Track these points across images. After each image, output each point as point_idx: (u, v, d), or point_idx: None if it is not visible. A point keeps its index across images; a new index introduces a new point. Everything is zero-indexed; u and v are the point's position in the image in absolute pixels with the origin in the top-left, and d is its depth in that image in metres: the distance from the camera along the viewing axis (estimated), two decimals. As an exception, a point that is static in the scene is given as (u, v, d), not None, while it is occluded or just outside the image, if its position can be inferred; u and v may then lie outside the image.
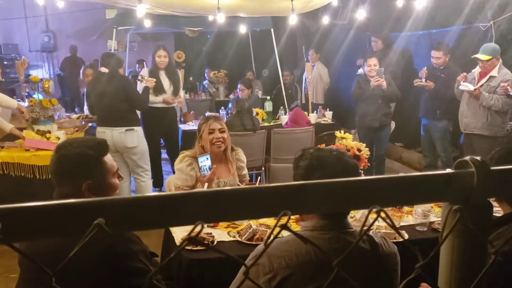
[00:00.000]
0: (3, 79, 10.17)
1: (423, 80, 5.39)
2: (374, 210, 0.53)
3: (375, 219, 0.54)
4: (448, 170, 0.63)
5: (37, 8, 9.97)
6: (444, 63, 5.37)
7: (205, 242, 2.50)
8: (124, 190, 4.79)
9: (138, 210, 0.51)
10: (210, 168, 3.02)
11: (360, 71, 6.26)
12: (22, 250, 1.52)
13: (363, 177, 0.56)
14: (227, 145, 3.20)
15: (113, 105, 4.59)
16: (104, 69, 4.66)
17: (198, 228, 0.50)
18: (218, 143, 3.14)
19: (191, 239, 0.50)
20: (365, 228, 0.52)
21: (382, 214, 0.53)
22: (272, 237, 0.52)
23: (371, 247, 1.70)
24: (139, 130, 4.76)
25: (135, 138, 4.68)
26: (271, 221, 2.82)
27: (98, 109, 4.73)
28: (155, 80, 5.26)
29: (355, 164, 1.80)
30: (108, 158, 1.88)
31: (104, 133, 4.62)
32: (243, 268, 1.73)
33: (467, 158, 0.63)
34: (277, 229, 0.52)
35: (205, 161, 3.05)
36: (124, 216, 0.50)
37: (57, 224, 0.49)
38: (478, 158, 0.63)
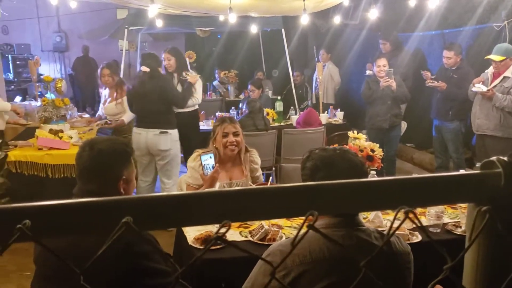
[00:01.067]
0: (16, 79, 10.28)
1: (435, 81, 5.36)
2: (403, 210, 0.53)
3: (403, 220, 0.53)
4: (472, 171, 0.63)
5: (49, 8, 10.06)
6: (455, 64, 5.33)
7: (217, 242, 2.51)
8: (147, 191, 4.77)
9: (165, 209, 0.51)
10: (213, 167, 3.01)
11: (369, 72, 6.25)
12: (37, 249, 1.52)
13: (390, 177, 0.55)
14: (240, 148, 3.19)
15: (150, 106, 4.53)
16: (145, 68, 4.57)
17: (224, 228, 0.50)
18: (231, 147, 3.13)
19: (218, 238, 0.50)
20: (394, 226, 0.51)
21: (411, 215, 0.53)
22: (299, 237, 0.52)
23: (385, 244, 1.70)
24: (173, 133, 4.66)
25: (168, 141, 4.61)
26: (283, 222, 2.82)
27: (136, 109, 4.69)
28: (199, 75, 5.29)
29: (360, 161, 1.80)
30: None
31: (140, 134, 4.61)
32: (257, 266, 1.73)
33: (493, 158, 0.63)
34: (304, 228, 0.51)
35: (208, 160, 3.03)
36: (151, 214, 0.50)
37: (85, 222, 0.49)
38: (505, 158, 0.62)
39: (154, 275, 1.77)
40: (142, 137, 4.55)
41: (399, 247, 1.74)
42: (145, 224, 0.49)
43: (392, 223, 0.53)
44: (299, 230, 0.52)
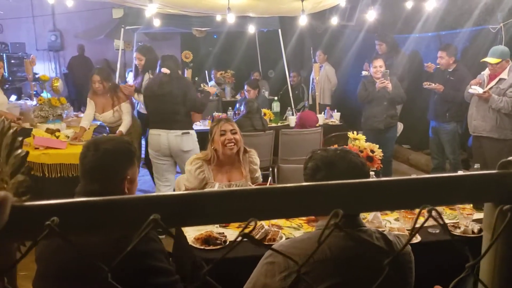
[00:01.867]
0: (10, 77, 10.22)
1: (432, 83, 5.39)
2: (426, 209, 0.53)
3: (427, 219, 0.54)
4: (492, 171, 0.63)
5: (44, 7, 10.01)
6: (447, 64, 5.37)
7: (217, 242, 2.51)
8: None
9: (191, 206, 0.51)
10: None
11: (365, 73, 6.28)
12: (40, 248, 1.51)
13: (411, 177, 0.56)
14: (239, 147, 3.18)
15: (171, 107, 4.47)
16: (166, 70, 4.53)
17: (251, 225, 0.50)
18: (230, 145, 3.10)
19: (245, 235, 0.50)
20: (417, 226, 0.51)
21: (434, 213, 0.53)
22: (324, 236, 0.52)
23: (386, 245, 1.72)
24: (193, 133, 4.63)
25: (190, 141, 4.56)
26: (282, 222, 2.82)
27: (154, 110, 4.60)
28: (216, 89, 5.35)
29: (361, 162, 1.81)
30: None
31: (159, 135, 4.51)
32: (258, 267, 1.73)
33: (511, 158, 0.63)
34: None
35: None
36: (179, 211, 0.51)
37: (113, 219, 0.49)
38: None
39: (159, 274, 1.77)
40: (163, 138, 4.48)
41: (400, 247, 1.75)
42: (174, 221, 0.49)
43: (415, 221, 0.53)
44: (324, 228, 0.52)
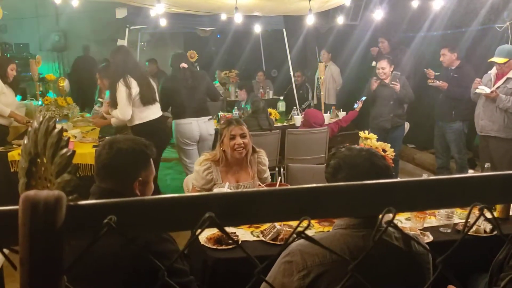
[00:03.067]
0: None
1: (436, 81, 5.38)
2: (477, 207, 0.53)
3: (478, 217, 0.53)
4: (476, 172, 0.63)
5: (48, 7, 10.01)
6: (451, 61, 5.36)
7: (229, 241, 2.51)
8: None
9: (245, 205, 0.51)
10: None
11: (374, 63, 6.32)
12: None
13: (460, 175, 0.55)
14: (248, 150, 3.17)
15: (197, 97, 4.99)
16: (184, 65, 5.03)
17: (304, 223, 0.50)
18: (239, 149, 3.10)
19: (299, 233, 0.50)
20: (469, 222, 0.51)
21: (486, 211, 0.53)
22: (379, 234, 0.52)
23: (405, 245, 1.71)
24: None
25: (213, 125, 5.27)
26: (294, 221, 2.82)
27: (183, 103, 4.94)
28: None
29: (385, 165, 1.77)
30: (152, 161, 1.92)
31: (191, 124, 4.97)
32: (276, 265, 1.72)
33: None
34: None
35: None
36: (232, 210, 0.50)
37: (169, 217, 0.49)
38: None
39: (173, 274, 1.77)
40: (194, 125, 4.96)
41: (418, 248, 1.74)
42: (228, 219, 0.49)
43: (467, 220, 0.53)
44: (377, 227, 0.52)
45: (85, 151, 4.30)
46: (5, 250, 0.49)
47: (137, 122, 4.40)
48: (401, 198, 0.54)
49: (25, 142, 0.66)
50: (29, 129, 0.68)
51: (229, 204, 0.51)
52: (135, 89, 4.32)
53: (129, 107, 4.31)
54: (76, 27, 10.63)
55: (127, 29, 7.29)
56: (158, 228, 0.52)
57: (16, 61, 10.28)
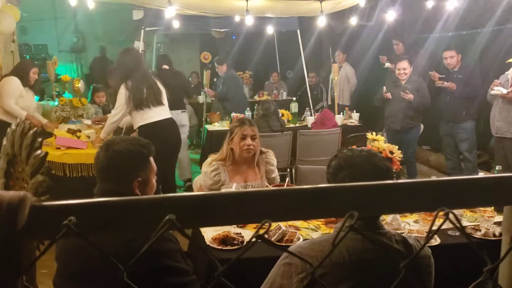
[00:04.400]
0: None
1: (444, 82, 5.33)
2: (443, 212, 0.53)
3: (443, 222, 0.53)
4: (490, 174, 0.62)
5: (66, 9, 10.16)
6: (457, 63, 5.30)
7: (235, 242, 2.52)
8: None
9: (206, 207, 0.51)
10: None
11: (387, 64, 6.29)
12: (59, 247, 1.53)
13: (429, 179, 0.55)
14: (256, 151, 3.18)
15: (178, 94, 5.66)
16: (166, 66, 5.82)
17: (266, 226, 0.50)
18: (248, 150, 3.10)
19: (259, 237, 0.51)
20: (434, 229, 0.51)
21: (451, 216, 0.53)
22: (338, 238, 0.52)
23: (405, 248, 1.69)
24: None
25: (186, 117, 6.04)
26: (300, 223, 2.82)
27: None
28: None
29: (386, 166, 1.76)
30: (152, 159, 1.93)
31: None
32: (276, 267, 1.72)
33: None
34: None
35: None
36: (193, 212, 0.51)
37: (129, 219, 0.50)
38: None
39: (175, 273, 1.79)
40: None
41: (424, 251, 1.73)
42: (189, 222, 0.50)
43: (432, 224, 0.53)
44: (339, 231, 0.52)
45: (98, 151, 4.34)
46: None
47: (141, 123, 4.42)
48: (366, 201, 0.54)
49: (4, 143, 0.68)
50: (8, 130, 0.69)
51: (191, 206, 0.51)
52: (135, 91, 4.34)
53: (125, 111, 4.35)
54: (93, 29, 10.78)
55: (142, 31, 7.35)
56: (119, 230, 0.53)
57: (35, 62, 10.52)
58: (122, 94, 4.31)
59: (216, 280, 0.51)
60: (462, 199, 0.57)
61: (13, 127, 0.67)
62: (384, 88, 5.61)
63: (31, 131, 0.60)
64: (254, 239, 0.51)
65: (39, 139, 0.62)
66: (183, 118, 5.84)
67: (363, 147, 1.85)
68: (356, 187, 0.53)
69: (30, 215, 0.48)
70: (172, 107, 5.07)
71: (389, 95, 5.50)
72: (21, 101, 4.82)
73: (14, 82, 4.80)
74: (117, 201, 0.50)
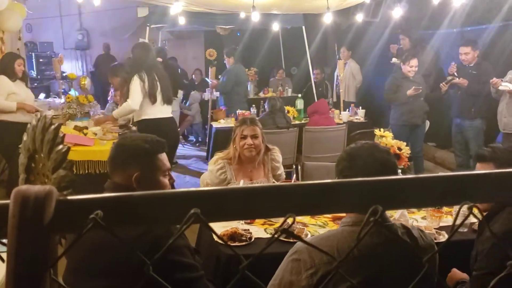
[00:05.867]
0: (39, 76, 10.44)
1: (456, 78, 5.31)
2: (467, 206, 0.53)
3: (467, 216, 0.53)
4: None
5: (71, 6, 10.19)
6: (473, 59, 5.27)
7: (243, 238, 2.52)
8: None
9: (230, 201, 0.51)
10: None
11: (394, 59, 6.28)
12: (69, 242, 1.54)
13: (452, 173, 0.55)
14: (259, 150, 3.16)
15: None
16: (159, 59, 5.71)
17: (290, 220, 0.51)
18: (249, 149, 3.09)
19: (284, 231, 0.51)
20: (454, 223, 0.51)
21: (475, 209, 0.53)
22: (363, 232, 0.52)
23: (411, 240, 1.70)
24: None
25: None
26: (307, 219, 2.82)
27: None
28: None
29: (384, 158, 1.74)
30: (163, 157, 1.93)
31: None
32: (284, 263, 1.73)
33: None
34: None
35: None
36: (216, 206, 0.51)
37: (154, 213, 0.50)
38: None
39: (184, 269, 1.79)
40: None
41: (424, 242, 1.74)
42: (213, 216, 0.50)
43: (455, 218, 0.53)
44: (363, 225, 0.52)
45: (104, 148, 4.36)
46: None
47: (143, 117, 4.46)
48: (385, 196, 0.54)
49: (24, 139, 0.68)
50: (28, 126, 0.70)
51: (213, 200, 0.52)
52: (148, 84, 4.39)
53: (140, 99, 4.39)
54: (98, 26, 10.79)
55: (147, 28, 7.36)
56: (144, 223, 0.53)
57: (41, 60, 10.55)
58: (137, 84, 4.36)
59: (240, 273, 0.51)
60: (484, 193, 0.57)
61: (34, 122, 0.68)
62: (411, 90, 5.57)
63: (53, 126, 0.61)
64: (279, 233, 0.51)
65: (61, 134, 0.63)
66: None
67: (368, 141, 1.85)
68: (375, 181, 0.53)
69: (57, 209, 0.49)
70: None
71: (417, 90, 5.47)
72: (14, 98, 4.72)
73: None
74: (142, 195, 0.50)
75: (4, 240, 0.47)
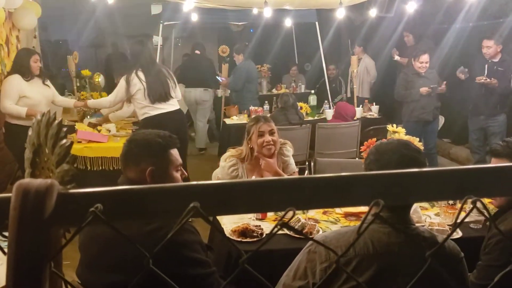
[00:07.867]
0: (55, 73, 10.55)
1: (487, 78, 5.20)
2: (470, 200, 0.52)
3: (470, 210, 0.52)
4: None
5: (85, 4, 10.26)
6: (495, 53, 5.18)
7: (254, 234, 2.53)
8: (204, 129, 7.45)
9: (230, 195, 0.51)
10: None
11: (397, 57, 6.24)
12: (82, 236, 1.56)
13: (454, 167, 0.54)
14: (277, 147, 3.16)
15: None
16: (198, 52, 7.42)
17: (289, 214, 0.50)
18: (268, 147, 3.10)
19: (283, 225, 0.51)
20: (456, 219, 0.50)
21: (479, 204, 0.52)
22: (364, 225, 0.51)
23: (431, 245, 1.67)
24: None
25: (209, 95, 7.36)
26: (319, 216, 2.81)
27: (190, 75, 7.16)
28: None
29: (414, 156, 1.72)
30: (175, 152, 1.95)
31: (190, 92, 7.17)
32: (301, 255, 1.72)
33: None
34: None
35: None
36: (217, 200, 0.51)
37: (154, 206, 0.50)
38: None
39: (195, 265, 1.80)
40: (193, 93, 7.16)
41: (448, 251, 1.71)
42: (213, 209, 0.50)
43: (458, 213, 0.52)
44: (364, 219, 0.51)
45: (118, 145, 4.39)
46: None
47: (145, 115, 4.49)
48: (389, 190, 0.53)
49: (29, 133, 0.69)
50: (33, 120, 0.71)
51: (215, 194, 0.52)
52: (140, 84, 4.38)
53: (118, 100, 4.57)
54: (112, 24, 10.85)
55: (161, 25, 7.40)
56: (144, 217, 0.53)
57: (55, 58, 10.63)
58: (122, 84, 4.42)
59: (241, 267, 0.51)
60: (489, 188, 0.56)
61: (39, 117, 0.68)
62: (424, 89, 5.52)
63: (56, 121, 0.61)
64: (278, 227, 0.51)
65: (64, 129, 0.63)
66: (205, 95, 7.18)
67: (401, 139, 1.86)
68: (380, 175, 0.53)
69: (57, 202, 0.49)
70: (198, 85, 7.04)
71: (429, 89, 5.44)
72: (26, 101, 4.41)
73: (10, 82, 4.39)
74: (143, 189, 0.50)
75: (6, 233, 0.48)
